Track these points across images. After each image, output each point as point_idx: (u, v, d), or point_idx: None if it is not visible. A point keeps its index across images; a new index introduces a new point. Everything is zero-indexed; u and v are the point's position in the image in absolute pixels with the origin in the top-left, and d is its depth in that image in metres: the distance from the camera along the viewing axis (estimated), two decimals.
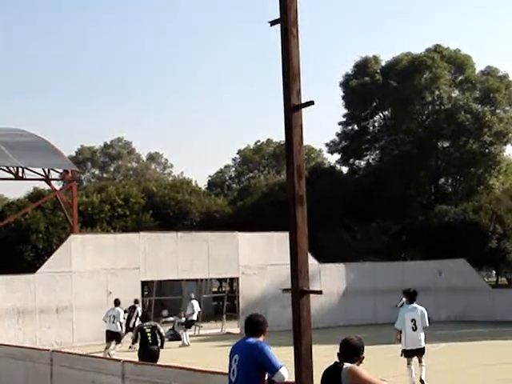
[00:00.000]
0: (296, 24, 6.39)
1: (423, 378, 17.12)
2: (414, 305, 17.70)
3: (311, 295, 6.51)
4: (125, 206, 49.29)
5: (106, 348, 25.18)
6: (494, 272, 64.77)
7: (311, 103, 6.29)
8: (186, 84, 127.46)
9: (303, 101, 6.51)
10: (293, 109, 6.31)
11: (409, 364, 17.33)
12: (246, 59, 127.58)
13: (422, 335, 17.40)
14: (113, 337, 25.64)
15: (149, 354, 16.97)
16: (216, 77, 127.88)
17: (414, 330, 17.32)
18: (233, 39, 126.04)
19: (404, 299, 22.38)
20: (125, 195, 49.98)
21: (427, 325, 17.46)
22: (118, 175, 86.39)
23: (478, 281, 37.69)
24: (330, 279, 35.00)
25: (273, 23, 6.46)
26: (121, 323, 25.75)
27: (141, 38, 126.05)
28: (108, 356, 23.17)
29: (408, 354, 17.35)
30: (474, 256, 40.26)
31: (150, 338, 17.41)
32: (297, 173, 6.31)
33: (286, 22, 6.30)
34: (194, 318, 30.63)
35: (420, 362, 17.38)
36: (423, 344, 17.35)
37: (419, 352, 17.34)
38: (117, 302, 25.97)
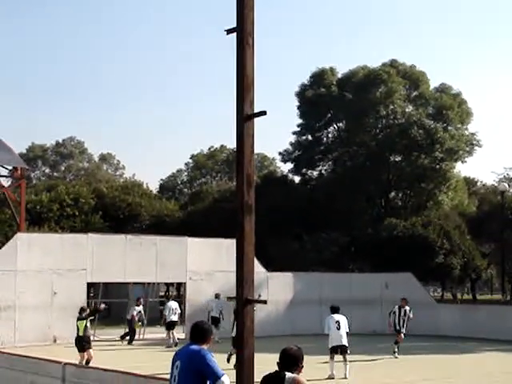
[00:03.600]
0: (252, 34, 6.37)
1: (347, 375, 20.16)
2: (338, 314, 21.21)
3: (258, 304, 6.51)
4: (74, 206, 48.80)
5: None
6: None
7: (263, 113, 6.29)
8: (141, 86, 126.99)
9: (256, 110, 6.50)
10: (245, 118, 6.30)
11: (332, 358, 20.53)
12: (205, 65, 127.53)
13: (345, 335, 20.71)
14: (214, 322, 29.75)
15: (78, 341, 21.61)
16: (172, 80, 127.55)
17: (338, 329, 20.62)
18: (191, 43, 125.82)
19: (396, 307, 26.69)
20: (75, 195, 49.48)
21: (348, 330, 21.00)
22: (69, 175, 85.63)
23: (423, 295, 38.03)
24: (277, 288, 35.03)
25: (229, 32, 6.45)
26: (221, 312, 31.06)
27: (99, 39, 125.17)
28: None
29: (333, 349, 20.57)
30: (421, 270, 40.64)
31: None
32: (246, 182, 6.31)
33: (243, 31, 6.30)
34: (174, 318, 30.41)
35: (344, 359, 20.47)
36: (345, 342, 20.59)
37: (342, 348, 20.52)
38: (217, 296, 31.32)
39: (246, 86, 6.30)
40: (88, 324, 21.86)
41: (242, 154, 6.32)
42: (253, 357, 6.38)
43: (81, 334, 21.55)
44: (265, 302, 6.48)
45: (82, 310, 22.52)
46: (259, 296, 23.41)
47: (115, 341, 31.19)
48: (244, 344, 6.24)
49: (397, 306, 26.82)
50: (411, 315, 26.84)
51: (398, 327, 26.41)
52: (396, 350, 26.18)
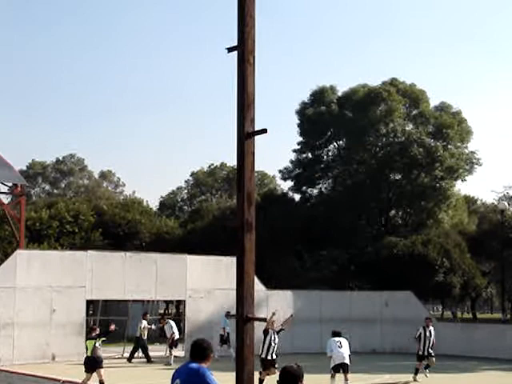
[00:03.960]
0: (253, 52, 6.39)
1: None
2: (339, 338, 21.12)
3: (257, 322, 6.49)
4: (74, 223, 48.78)
5: None
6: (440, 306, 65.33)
7: (264, 131, 6.30)
8: (142, 104, 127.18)
9: (257, 127, 6.52)
10: (246, 136, 6.32)
11: (333, 377, 20.59)
12: (204, 81, 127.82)
13: (347, 355, 20.58)
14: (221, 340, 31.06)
15: (86, 361, 21.00)
16: (171, 98, 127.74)
17: (340, 347, 20.59)
18: (191, 58, 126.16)
19: (421, 328, 25.14)
20: (74, 212, 49.48)
21: (350, 352, 20.82)
22: (69, 192, 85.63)
23: (423, 314, 37.88)
24: (277, 306, 34.83)
25: (230, 50, 6.47)
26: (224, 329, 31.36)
27: (98, 57, 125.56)
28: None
29: (335, 368, 20.54)
30: (421, 289, 40.57)
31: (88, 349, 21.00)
32: (247, 200, 6.31)
33: (243, 49, 6.31)
34: (177, 336, 30.56)
35: (346, 379, 20.46)
36: (347, 361, 20.45)
37: (344, 366, 20.44)
38: (227, 314, 30.45)
39: (246, 104, 6.31)
40: (98, 344, 21.29)
41: (242, 172, 6.33)
42: (253, 375, 6.35)
43: (89, 353, 20.93)
44: (265, 319, 6.47)
45: (91, 329, 22.11)
46: (292, 316, 23.36)
47: (114, 358, 31.07)
48: (244, 362, 6.21)
49: (421, 327, 25.43)
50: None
51: (422, 350, 25.10)
52: (425, 372, 25.37)
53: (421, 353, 24.99)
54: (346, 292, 39.65)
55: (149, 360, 30.52)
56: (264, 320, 6.58)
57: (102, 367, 20.98)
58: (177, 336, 30.56)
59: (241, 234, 6.41)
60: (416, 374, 24.88)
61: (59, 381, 12.90)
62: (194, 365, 7.64)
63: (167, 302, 52.50)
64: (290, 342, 34.37)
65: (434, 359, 25.14)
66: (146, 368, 28.48)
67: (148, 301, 35.55)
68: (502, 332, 35.31)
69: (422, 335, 25.09)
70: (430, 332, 25.23)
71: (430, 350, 25.04)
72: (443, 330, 37.39)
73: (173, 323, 31.09)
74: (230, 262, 28.36)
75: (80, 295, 30.48)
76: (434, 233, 48.87)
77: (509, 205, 52.99)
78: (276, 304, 34.86)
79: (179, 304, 43.54)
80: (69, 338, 28.75)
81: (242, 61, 6.33)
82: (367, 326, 35.83)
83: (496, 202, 54.79)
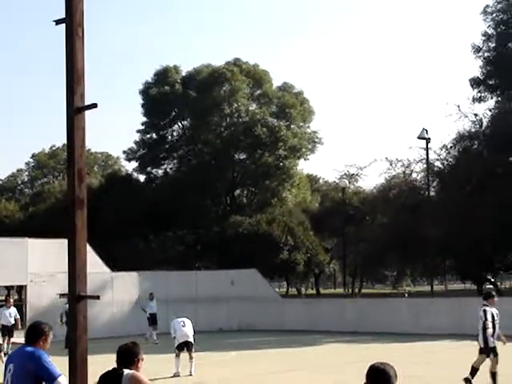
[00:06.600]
0: (82, 25, 6.24)
1: (192, 372, 20.04)
2: (182, 318, 20.92)
3: (101, 303, 6.41)
4: None
5: None
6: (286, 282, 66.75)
7: (94, 106, 6.19)
8: None
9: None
10: (75, 111, 6.18)
11: (177, 356, 20.16)
12: (38, 58, 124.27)
13: (191, 333, 20.49)
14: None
15: None
16: (7, 75, 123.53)
17: (184, 326, 20.47)
18: (24, 34, 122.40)
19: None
20: None
21: (193, 332, 20.74)
22: None
23: (268, 290, 38.66)
24: (123, 288, 34.58)
25: (58, 22, 6.29)
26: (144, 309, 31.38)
27: None
28: None
29: (179, 347, 20.32)
30: (266, 266, 41.31)
31: None
32: (77, 176, 6.18)
33: (72, 22, 6.15)
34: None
35: (190, 357, 20.25)
36: (191, 339, 20.42)
37: (188, 345, 20.35)
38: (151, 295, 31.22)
39: (75, 78, 6.17)
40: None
41: (72, 148, 6.18)
42: (86, 354, 6.25)
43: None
44: (98, 297, 6.38)
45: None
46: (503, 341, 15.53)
47: None
48: (77, 341, 6.10)
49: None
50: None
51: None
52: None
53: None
54: (191, 272, 39.82)
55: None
56: (97, 298, 6.47)
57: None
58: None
59: (72, 212, 6.28)
60: None
61: None
62: (28, 348, 7.39)
63: (8, 288, 50.94)
64: (136, 324, 34.20)
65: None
66: None
67: None
68: (343, 306, 36.51)
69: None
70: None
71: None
72: (288, 306, 38.36)
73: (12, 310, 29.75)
74: None
75: None
76: (278, 211, 49.85)
77: (349, 183, 54.56)
78: (121, 286, 34.56)
79: (21, 289, 42.31)
80: None
81: (70, 34, 6.18)
82: (214, 304, 36.14)
83: (337, 181, 56.32)
